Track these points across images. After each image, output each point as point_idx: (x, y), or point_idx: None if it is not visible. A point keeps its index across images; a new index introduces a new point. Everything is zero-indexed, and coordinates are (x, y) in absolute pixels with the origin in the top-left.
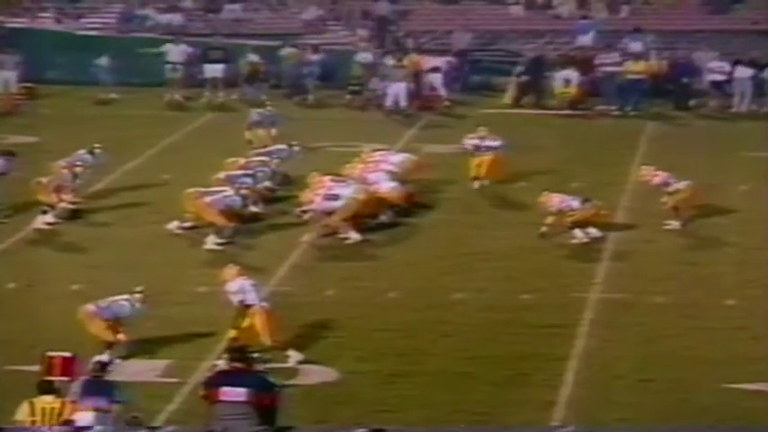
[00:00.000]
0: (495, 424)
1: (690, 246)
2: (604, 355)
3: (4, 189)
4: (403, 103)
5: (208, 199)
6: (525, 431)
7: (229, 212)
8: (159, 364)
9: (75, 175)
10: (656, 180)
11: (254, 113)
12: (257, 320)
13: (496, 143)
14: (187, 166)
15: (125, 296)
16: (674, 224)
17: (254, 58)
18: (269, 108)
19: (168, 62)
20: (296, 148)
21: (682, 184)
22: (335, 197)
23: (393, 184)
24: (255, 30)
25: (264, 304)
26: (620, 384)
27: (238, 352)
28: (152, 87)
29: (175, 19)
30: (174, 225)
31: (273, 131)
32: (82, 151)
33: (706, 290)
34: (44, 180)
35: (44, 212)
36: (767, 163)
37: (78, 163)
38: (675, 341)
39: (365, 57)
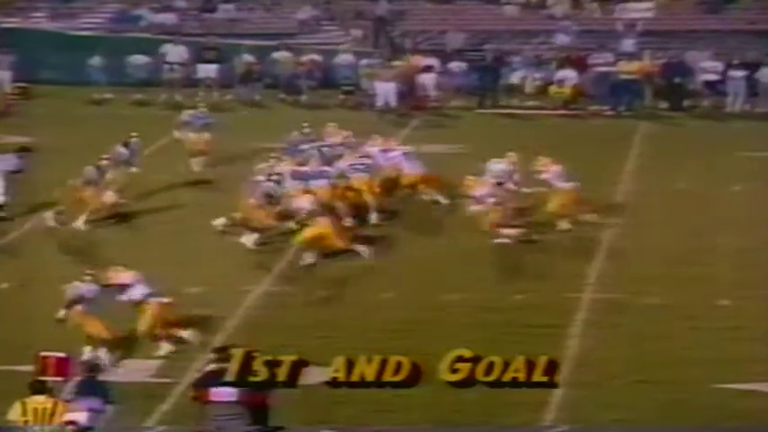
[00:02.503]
0: (491, 425)
1: (683, 246)
2: (597, 355)
3: (18, 186)
4: (393, 103)
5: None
6: (520, 431)
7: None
8: (152, 364)
9: (103, 172)
10: (545, 176)
11: (185, 114)
12: (149, 314)
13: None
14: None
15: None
16: (565, 225)
17: (248, 57)
18: (201, 110)
19: (167, 63)
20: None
21: (566, 185)
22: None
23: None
24: (250, 29)
25: (161, 299)
26: (614, 385)
27: (225, 352)
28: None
29: (170, 19)
30: (219, 222)
31: (206, 135)
32: (118, 145)
33: (700, 290)
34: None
35: (59, 213)
36: (761, 163)
37: (106, 157)
38: (669, 342)
39: (346, 58)
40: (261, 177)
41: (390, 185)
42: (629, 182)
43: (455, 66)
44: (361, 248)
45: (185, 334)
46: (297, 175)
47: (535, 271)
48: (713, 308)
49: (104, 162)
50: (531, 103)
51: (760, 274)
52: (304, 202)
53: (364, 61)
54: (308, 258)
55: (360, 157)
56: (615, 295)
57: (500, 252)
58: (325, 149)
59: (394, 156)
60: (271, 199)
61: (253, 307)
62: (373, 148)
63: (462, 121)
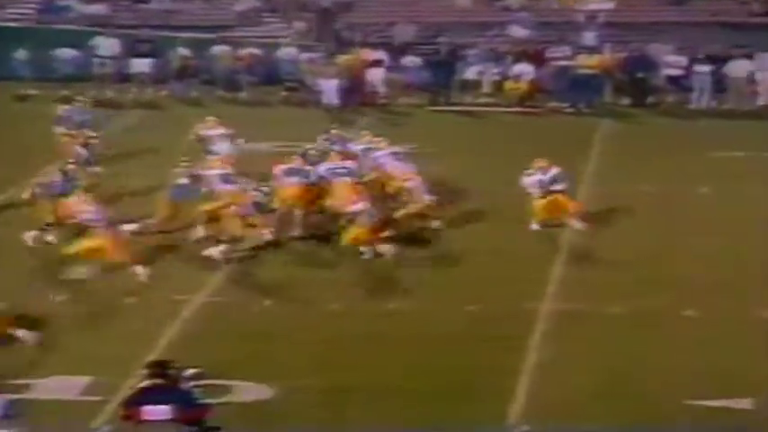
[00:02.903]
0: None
1: (648, 251)
2: (558, 369)
3: None
4: (335, 100)
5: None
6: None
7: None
8: (79, 381)
9: (71, 178)
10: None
11: (61, 109)
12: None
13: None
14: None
15: None
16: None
17: (184, 51)
18: (78, 104)
19: (97, 56)
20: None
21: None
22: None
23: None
24: (186, 21)
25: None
26: (575, 401)
27: (159, 367)
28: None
29: (100, 9)
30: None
31: (89, 132)
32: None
33: (666, 299)
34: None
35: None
36: (729, 163)
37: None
38: (634, 354)
39: (288, 52)
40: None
41: (376, 191)
42: (589, 183)
43: (407, 61)
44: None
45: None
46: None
47: (490, 279)
48: (681, 318)
49: (71, 167)
50: (485, 100)
51: (731, 282)
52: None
53: (305, 56)
54: (80, 272)
55: (342, 159)
56: (576, 305)
57: (452, 258)
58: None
59: (379, 156)
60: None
61: (190, 319)
62: (357, 146)
63: (413, 120)
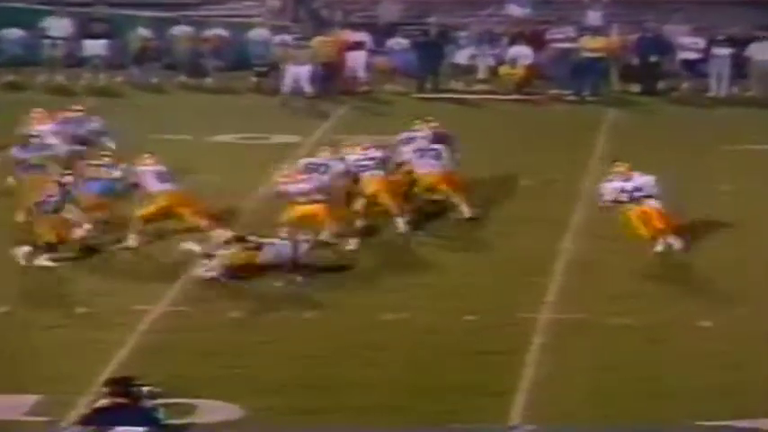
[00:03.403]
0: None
1: (657, 258)
2: (556, 385)
3: None
4: (306, 88)
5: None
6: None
7: None
8: (27, 399)
9: (66, 191)
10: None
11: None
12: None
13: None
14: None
15: None
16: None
17: (144, 32)
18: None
19: (47, 37)
20: None
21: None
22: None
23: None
24: None
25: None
26: (575, 421)
27: (121, 385)
28: None
29: None
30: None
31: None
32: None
33: (676, 310)
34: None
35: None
36: (752, 158)
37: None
38: (640, 369)
39: (260, 34)
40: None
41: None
42: (594, 181)
43: (392, 43)
44: None
45: None
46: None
47: (486, 287)
48: (692, 329)
49: (68, 178)
50: (478, 86)
51: (748, 291)
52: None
53: (279, 38)
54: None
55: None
56: (577, 315)
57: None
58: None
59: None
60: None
61: (150, 331)
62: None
63: (398, 109)
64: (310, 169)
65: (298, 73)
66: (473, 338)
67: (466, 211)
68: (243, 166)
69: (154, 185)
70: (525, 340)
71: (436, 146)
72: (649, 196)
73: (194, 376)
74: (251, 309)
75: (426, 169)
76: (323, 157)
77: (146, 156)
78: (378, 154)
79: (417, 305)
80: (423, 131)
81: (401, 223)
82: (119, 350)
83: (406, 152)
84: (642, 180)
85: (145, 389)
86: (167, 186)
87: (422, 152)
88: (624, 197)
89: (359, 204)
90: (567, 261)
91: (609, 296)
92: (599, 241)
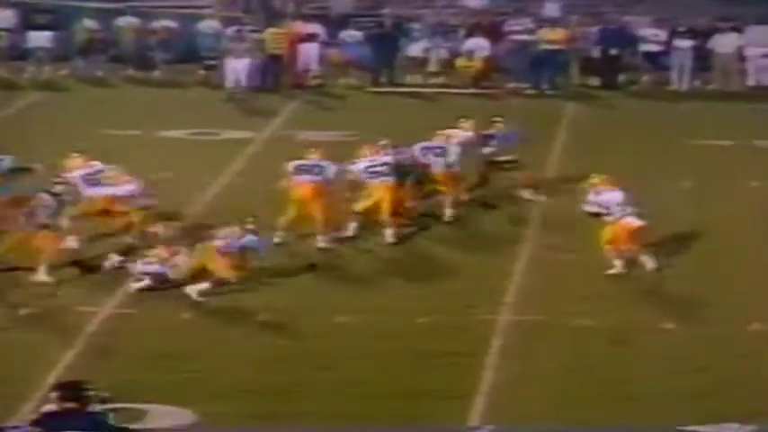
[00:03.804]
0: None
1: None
2: (517, 390)
3: None
4: (243, 82)
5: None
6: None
7: None
8: None
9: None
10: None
11: None
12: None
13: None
14: None
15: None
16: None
17: (89, 24)
18: None
19: None
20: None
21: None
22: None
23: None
24: None
25: None
26: (535, 423)
27: (70, 389)
28: None
29: None
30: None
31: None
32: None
33: (638, 311)
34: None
35: None
36: (715, 153)
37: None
38: (601, 372)
39: (210, 25)
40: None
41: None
42: (553, 177)
43: (345, 35)
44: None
45: None
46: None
47: (443, 288)
48: (654, 332)
49: (60, 187)
50: (434, 80)
51: (710, 291)
52: None
53: (230, 30)
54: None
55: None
56: (538, 317)
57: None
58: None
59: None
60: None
61: (97, 333)
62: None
63: (352, 102)
64: (302, 170)
65: (237, 67)
66: (429, 341)
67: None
68: (194, 164)
69: (85, 190)
70: (485, 343)
71: (442, 144)
72: (627, 213)
73: (144, 380)
74: (202, 311)
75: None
76: (313, 158)
77: (74, 155)
78: (388, 159)
79: (373, 308)
80: (463, 130)
81: (389, 235)
82: (64, 353)
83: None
84: (613, 195)
85: (94, 393)
86: (98, 191)
87: (427, 150)
88: (603, 210)
89: (361, 206)
90: (527, 261)
91: (570, 298)
92: (559, 241)
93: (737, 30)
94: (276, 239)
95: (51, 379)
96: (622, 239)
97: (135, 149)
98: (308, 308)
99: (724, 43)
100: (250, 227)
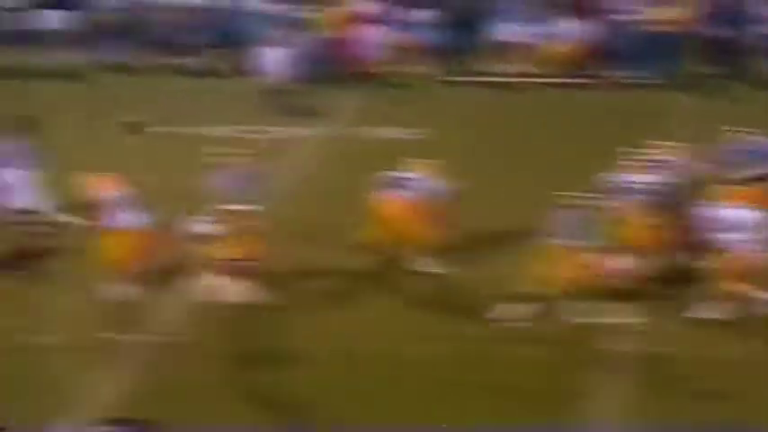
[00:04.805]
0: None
1: None
2: None
3: None
4: (293, 71)
5: None
6: None
7: None
8: None
9: None
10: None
11: None
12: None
13: None
14: None
15: None
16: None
17: (112, 1)
18: None
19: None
20: None
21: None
22: None
23: None
24: None
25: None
26: None
27: None
28: None
29: None
30: None
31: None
32: None
33: None
34: None
35: None
36: None
37: None
38: None
39: (254, 5)
40: None
41: None
42: None
43: (414, 16)
44: None
45: None
46: None
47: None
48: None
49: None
50: (518, 68)
51: None
52: None
53: (277, 10)
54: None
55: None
56: None
57: None
58: None
59: None
60: None
61: None
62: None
63: (422, 95)
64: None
65: (285, 54)
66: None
67: None
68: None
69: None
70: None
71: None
72: None
73: None
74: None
75: None
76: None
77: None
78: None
79: None
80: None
81: None
82: None
83: None
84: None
85: None
86: None
87: None
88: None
89: None
90: None
91: None
92: None
93: None
94: None
95: None
96: None
97: (185, 146)
98: None
99: None
100: None
